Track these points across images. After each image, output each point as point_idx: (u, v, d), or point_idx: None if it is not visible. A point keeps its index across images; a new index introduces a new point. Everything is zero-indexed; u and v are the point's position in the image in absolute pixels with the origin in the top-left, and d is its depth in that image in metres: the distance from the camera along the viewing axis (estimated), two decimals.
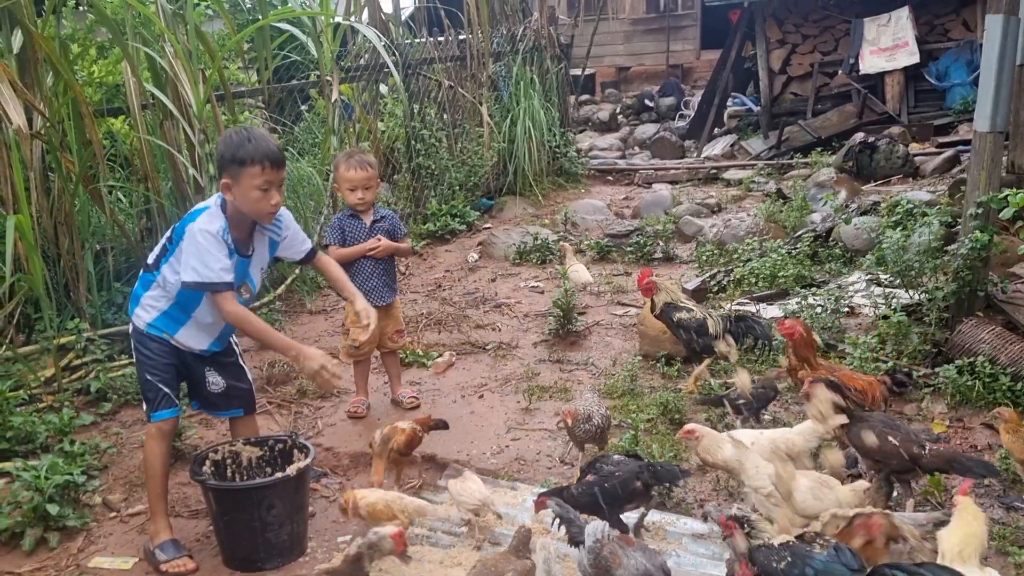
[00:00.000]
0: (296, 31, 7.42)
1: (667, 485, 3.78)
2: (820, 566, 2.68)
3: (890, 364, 4.89)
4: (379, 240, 4.95)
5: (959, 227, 5.49)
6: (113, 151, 6.89)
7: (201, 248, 3.43)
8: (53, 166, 5.84)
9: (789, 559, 2.74)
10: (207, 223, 3.47)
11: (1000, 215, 4.73)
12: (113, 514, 4.09)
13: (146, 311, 3.69)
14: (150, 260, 3.69)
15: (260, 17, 10.85)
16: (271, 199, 3.54)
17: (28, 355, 5.41)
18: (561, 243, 8.40)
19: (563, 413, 4.20)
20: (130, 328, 3.77)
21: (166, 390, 3.65)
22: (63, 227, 5.91)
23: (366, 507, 3.56)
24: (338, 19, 8.25)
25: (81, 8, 7.51)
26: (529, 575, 2.98)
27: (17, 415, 4.67)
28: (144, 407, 3.72)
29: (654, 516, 3.72)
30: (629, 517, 3.55)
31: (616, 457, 3.61)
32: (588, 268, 7.90)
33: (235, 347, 3.93)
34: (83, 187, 5.96)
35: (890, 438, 3.47)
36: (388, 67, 8.92)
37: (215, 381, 3.79)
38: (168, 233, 3.65)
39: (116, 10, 7.53)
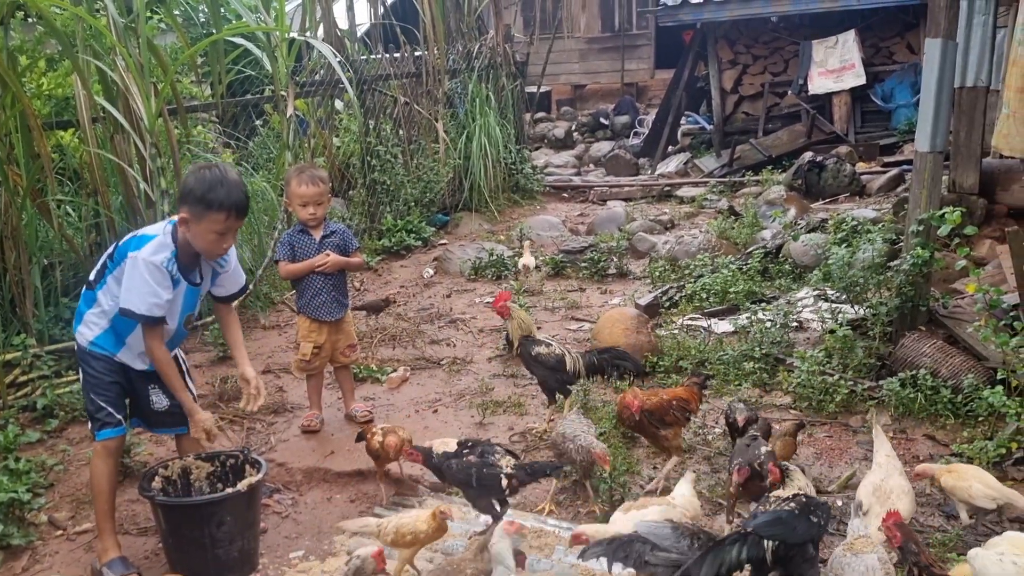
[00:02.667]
0: (251, 46, 7.39)
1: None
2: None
3: (836, 377, 5.00)
4: (327, 255, 4.94)
5: (902, 244, 5.65)
6: (62, 164, 6.79)
7: (141, 279, 3.40)
8: (0, 179, 5.75)
9: None
10: (152, 253, 3.44)
11: (939, 232, 4.88)
12: (59, 532, 4.03)
13: (89, 328, 3.65)
14: (92, 277, 3.66)
15: (214, 31, 10.87)
16: (225, 243, 3.56)
17: None
18: (523, 241, 8.62)
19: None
20: (76, 346, 3.72)
21: (110, 409, 3.61)
22: (9, 241, 5.81)
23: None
24: (293, 35, 8.23)
25: (30, 20, 7.41)
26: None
27: None
28: (89, 425, 3.67)
29: None
30: None
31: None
32: (543, 283, 7.97)
33: (182, 364, 3.89)
34: (30, 201, 5.87)
35: None
36: (340, 83, 8.94)
37: (158, 400, 3.76)
38: (110, 251, 3.61)
39: (66, 22, 7.45)
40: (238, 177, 3.53)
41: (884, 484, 3.39)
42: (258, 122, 9.70)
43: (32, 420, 5.18)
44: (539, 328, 6.46)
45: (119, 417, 3.61)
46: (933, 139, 5.27)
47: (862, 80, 13.24)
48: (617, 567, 2.93)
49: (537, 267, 8.42)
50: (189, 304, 3.68)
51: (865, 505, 3.33)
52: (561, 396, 4.84)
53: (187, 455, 3.82)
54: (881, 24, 13.56)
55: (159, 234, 3.50)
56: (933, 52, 5.23)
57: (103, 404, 3.58)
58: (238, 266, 3.90)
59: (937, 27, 5.26)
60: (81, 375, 3.69)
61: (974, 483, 3.51)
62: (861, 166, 11.81)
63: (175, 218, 3.53)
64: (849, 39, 13.30)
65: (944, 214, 4.80)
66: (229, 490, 3.57)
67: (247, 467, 3.75)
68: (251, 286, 7.10)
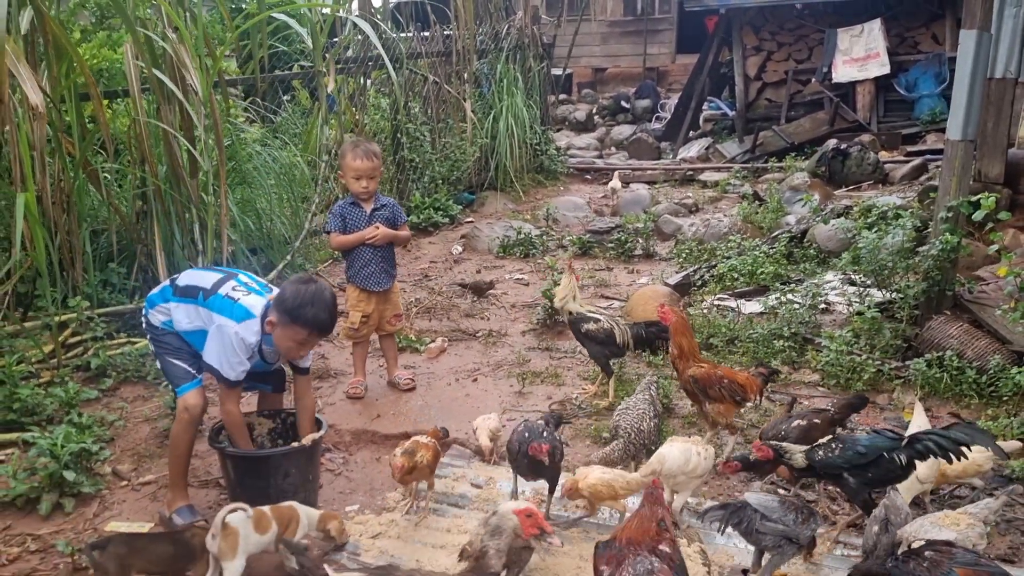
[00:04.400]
0: (293, 22, 7.53)
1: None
2: (867, 442, 3.37)
3: (864, 357, 5.17)
4: (377, 228, 5.12)
5: (929, 231, 5.79)
6: (99, 135, 6.97)
7: (230, 348, 3.59)
8: (54, 146, 5.92)
9: (842, 445, 3.38)
10: (246, 332, 3.60)
11: (973, 217, 5.02)
12: (124, 483, 4.22)
13: (159, 315, 3.84)
14: (180, 282, 3.82)
15: (246, 4, 10.99)
16: (302, 351, 3.75)
17: (26, 331, 5.50)
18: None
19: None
20: (144, 323, 3.90)
21: (185, 367, 3.78)
22: (58, 207, 5.99)
23: (587, 488, 3.54)
24: (341, 13, 8.38)
25: None
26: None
27: (24, 388, 4.77)
28: (171, 387, 3.85)
29: None
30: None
31: None
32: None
33: None
34: (82, 169, 6.06)
35: None
36: (373, 60, 9.08)
37: None
38: (207, 286, 3.73)
39: None
40: (331, 297, 3.64)
41: None
42: (286, 97, 9.86)
43: (85, 379, 5.38)
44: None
45: (193, 372, 3.78)
46: (965, 128, 5.40)
47: (886, 69, 13.31)
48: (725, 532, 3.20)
49: (563, 246, 8.59)
50: (256, 370, 3.85)
51: None
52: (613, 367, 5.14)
53: (252, 413, 4.01)
54: (907, 14, 13.62)
55: (256, 316, 3.63)
56: (968, 43, 5.35)
57: (179, 363, 3.76)
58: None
59: (972, 18, 5.39)
60: (154, 348, 3.87)
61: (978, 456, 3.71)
62: (883, 155, 11.91)
63: (272, 300, 3.67)
64: (875, 28, 13.37)
65: (979, 200, 4.94)
66: (294, 444, 3.76)
67: None
68: (288, 257, 7.31)
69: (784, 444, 3.52)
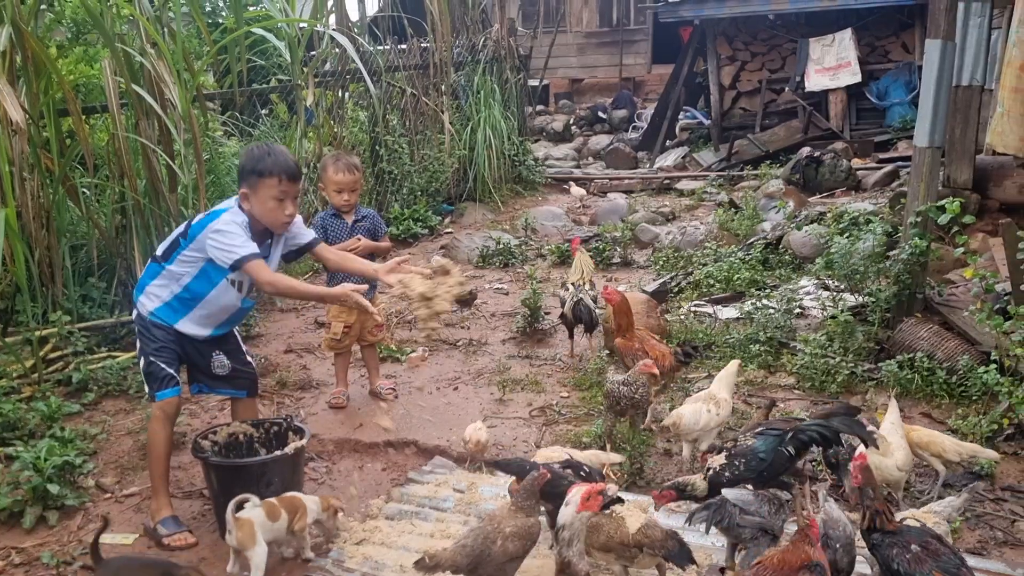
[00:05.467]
0: (271, 36, 7.59)
1: None
2: (764, 447, 3.45)
3: (838, 360, 5.27)
4: (359, 240, 5.18)
5: (899, 236, 5.92)
6: (78, 150, 6.98)
7: (233, 233, 3.64)
8: (32, 162, 5.94)
9: (744, 459, 3.42)
10: (232, 216, 3.69)
11: (939, 221, 5.14)
12: (108, 495, 4.25)
13: (150, 299, 3.87)
14: (159, 252, 3.89)
15: (222, 19, 11.02)
16: (285, 209, 3.78)
17: (7, 347, 5.51)
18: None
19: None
20: (134, 314, 3.94)
21: (169, 371, 3.83)
22: (37, 222, 6.00)
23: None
24: (319, 27, 8.43)
25: (42, 7, 7.58)
26: (531, 534, 3.10)
27: (5, 403, 4.78)
28: (147, 389, 3.89)
29: None
30: None
31: None
32: (550, 271, 8.23)
33: (236, 334, 4.13)
34: (62, 184, 6.07)
35: None
36: (351, 73, 9.14)
37: (222, 363, 3.99)
38: (182, 229, 3.83)
39: (75, 11, 7.65)
40: (285, 148, 3.84)
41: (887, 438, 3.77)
42: (264, 111, 9.90)
43: (67, 394, 5.39)
44: (547, 314, 6.74)
45: (176, 377, 3.83)
46: (932, 135, 5.53)
47: (858, 78, 13.52)
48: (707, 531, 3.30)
49: (542, 255, 8.66)
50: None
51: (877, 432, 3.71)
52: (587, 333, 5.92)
53: (234, 422, 4.05)
54: (877, 23, 13.85)
55: (231, 206, 3.75)
56: (933, 52, 5.48)
57: (162, 365, 3.80)
58: (300, 222, 4.05)
59: (937, 28, 5.52)
60: (139, 341, 3.90)
61: (945, 439, 3.96)
62: (856, 162, 12.08)
63: (238, 195, 3.77)
64: (846, 38, 13.59)
65: (944, 204, 5.06)
66: (277, 452, 3.81)
67: (290, 433, 3.98)
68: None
69: (682, 480, 3.53)
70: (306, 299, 3.86)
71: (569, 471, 3.50)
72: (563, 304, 5.96)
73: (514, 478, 3.51)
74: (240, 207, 3.75)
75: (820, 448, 3.57)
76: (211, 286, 3.80)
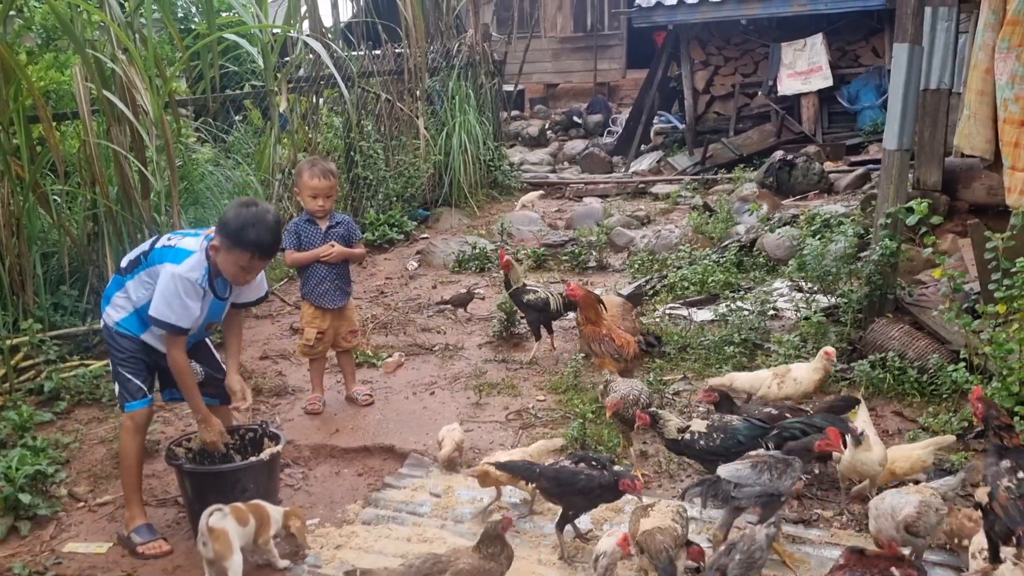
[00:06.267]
0: (244, 42, 7.56)
1: None
2: (746, 432, 3.73)
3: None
4: (332, 246, 5.17)
5: (871, 237, 5.99)
6: (49, 156, 6.92)
7: (173, 293, 3.58)
8: (2, 169, 5.88)
9: (723, 435, 3.68)
10: (188, 270, 3.61)
11: (907, 221, 5.22)
12: (81, 504, 4.21)
13: (116, 310, 3.83)
14: (123, 264, 3.85)
15: (195, 24, 10.96)
16: (248, 276, 3.77)
17: None
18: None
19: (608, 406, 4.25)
20: (102, 324, 3.91)
21: (137, 382, 3.79)
22: (7, 230, 5.94)
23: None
24: (292, 32, 8.41)
25: (11, 14, 7.51)
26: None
27: None
28: (117, 399, 3.86)
29: None
30: None
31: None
32: (526, 275, 8.23)
33: (208, 342, 4.10)
34: (32, 191, 6.02)
35: None
36: (325, 79, 9.12)
37: (196, 369, 3.95)
38: (147, 247, 3.78)
39: (45, 17, 7.58)
40: (274, 220, 3.67)
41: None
42: (237, 117, 9.84)
43: (38, 403, 5.34)
44: (522, 318, 6.74)
45: (145, 389, 3.80)
46: (900, 138, 5.61)
47: (829, 82, 13.65)
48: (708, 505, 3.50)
49: (518, 261, 8.69)
50: (214, 313, 3.86)
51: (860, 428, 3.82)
52: (546, 332, 6.19)
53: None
54: (847, 28, 13.99)
55: (196, 251, 3.65)
56: (901, 56, 5.56)
57: (131, 377, 3.77)
58: (263, 277, 4.03)
59: (904, 33, 5.60)
60: (109, 351, 3.87)
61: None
62: (829, 165, 12.20)
63: (211, 233, 3.70)
64: (817, 42, 13.71)
65: (911, 205, 5.13)
66: (252, 458, 3.79)
67: (265, 440, 3.97)
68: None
69: (662, 413, 3.86)
70: (184, 394, 3.72)
71: (583, 465, 3.58)
72: (541, 304, 6.03)
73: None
74: (207, 252, 3.67)
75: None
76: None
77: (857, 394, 4.73)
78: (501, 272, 6.40)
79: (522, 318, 6.46)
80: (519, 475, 3.75)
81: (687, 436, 3.78)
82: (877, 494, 3.68)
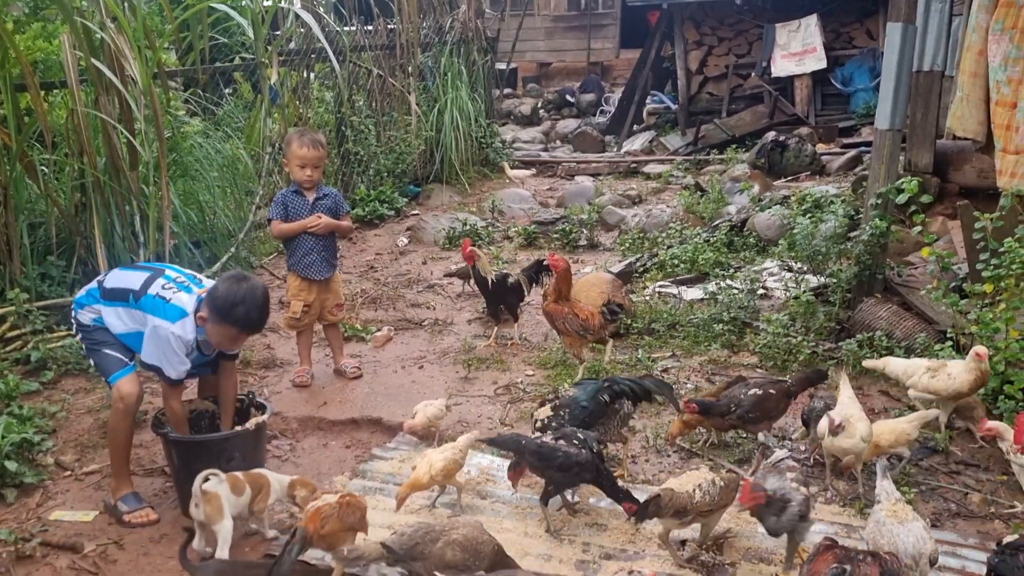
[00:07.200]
0: (235, 13, 7.48)
1: None
2: (585, 396, 3.95)
3: (800, 339, 5.34)
4: (319, 217, 5.14)
5: (861, 218, 6.00)
6: (36, 126, 6.85)
7: (167, 347, 3.58)
8: None
9: (568, 410, 3.90)
10: (181, 330, 3.59)
11: (897, 200, 5.22)
12: (67, 473, 4.20)
13: (89, 313, 3.81)
14: (107, 284, 3.79)
15: None
16: (234, 345, 3.82)
17: None
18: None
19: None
20: (73, 324, 3.89)
21: (117, 355, 3.75)
22: None
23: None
24: (283, 4, 8.32)
25: None
26: (478, 551, 3.08)
27: None
28: (105, 378, 3.82)
29: None
30: None
31: None
32: (516, 252, 8.23)
33: None
34: (19, 161, 5.96)
35: None
36: (317, 53, 9.04)
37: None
38: (136, 287, 3.70)
39: None
40: (263, 296, 3.65)
41: (845, 412, 3.81)
42: (227, 90, 9.75)
43: (25, 372, 5.31)
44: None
45: (126, 360, 3.76)
46: (892, 118, 5.61)
47: (823, 64, 13.65)
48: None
49: (509, 238, 8.66)
50: (195, 363, 3.83)
51: (838, 420, 3.77)
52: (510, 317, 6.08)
53: (194, 399, 4.01)
54: (842, 10, 13.98)
55: (189, 313, 3.62)
56: (894, 35, 5.56)
57: (109, 352, 3.74)
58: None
59: (898, 12, 5.60)
60: (85, 343, 3.86)
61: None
62: (821, 147, 12.21)
63: (203, 294, 3.67)
64: (811, 23, 13.70)
65: (901, 184, 5.14)
66: (238, 428, 3.78)
67: (252, 409, 3.96)
68: (232, 250, 7.26)
69: (535, 413, 4.04)
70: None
71: (562, 442, 3.58)
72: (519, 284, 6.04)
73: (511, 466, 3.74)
74: (197, 318, 3.64)
75: (632, 402, 4.08)
76: (139, 347, 3.74)
77: (843, 372, 4.75)
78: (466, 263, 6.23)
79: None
80: (507, 448, 3.78)
81: (541, 428, 3.92)
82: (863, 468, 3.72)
